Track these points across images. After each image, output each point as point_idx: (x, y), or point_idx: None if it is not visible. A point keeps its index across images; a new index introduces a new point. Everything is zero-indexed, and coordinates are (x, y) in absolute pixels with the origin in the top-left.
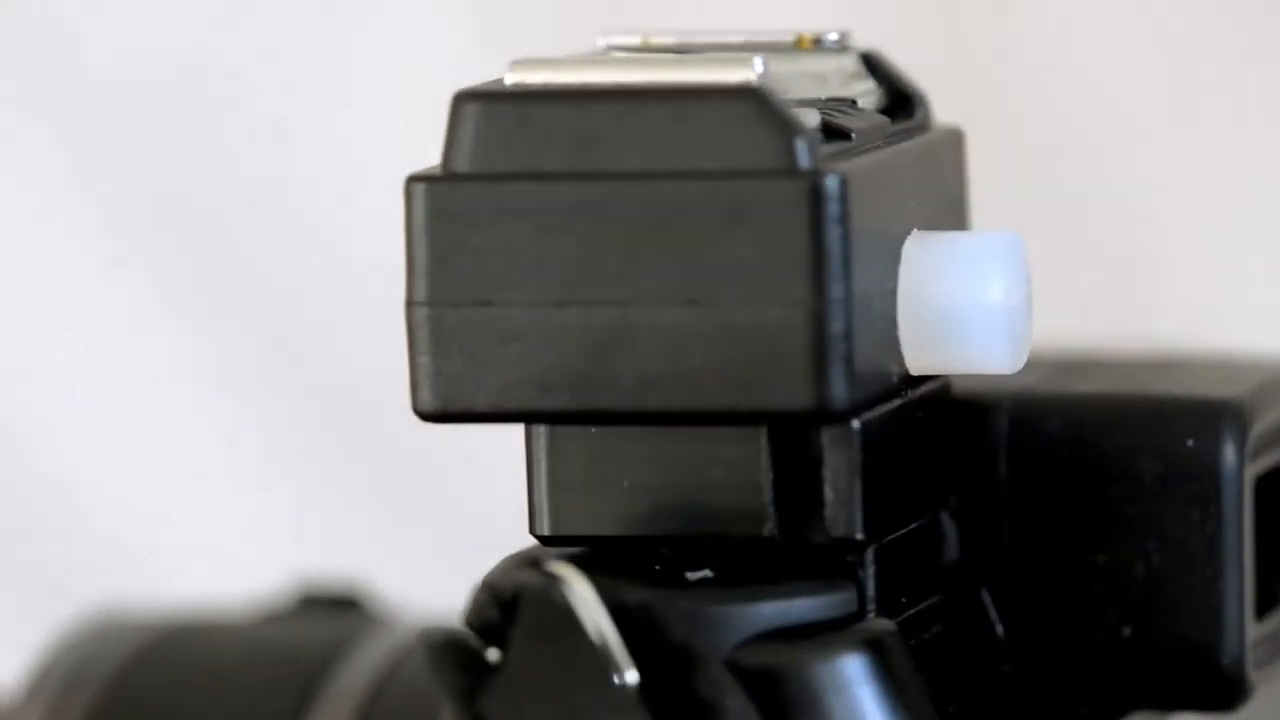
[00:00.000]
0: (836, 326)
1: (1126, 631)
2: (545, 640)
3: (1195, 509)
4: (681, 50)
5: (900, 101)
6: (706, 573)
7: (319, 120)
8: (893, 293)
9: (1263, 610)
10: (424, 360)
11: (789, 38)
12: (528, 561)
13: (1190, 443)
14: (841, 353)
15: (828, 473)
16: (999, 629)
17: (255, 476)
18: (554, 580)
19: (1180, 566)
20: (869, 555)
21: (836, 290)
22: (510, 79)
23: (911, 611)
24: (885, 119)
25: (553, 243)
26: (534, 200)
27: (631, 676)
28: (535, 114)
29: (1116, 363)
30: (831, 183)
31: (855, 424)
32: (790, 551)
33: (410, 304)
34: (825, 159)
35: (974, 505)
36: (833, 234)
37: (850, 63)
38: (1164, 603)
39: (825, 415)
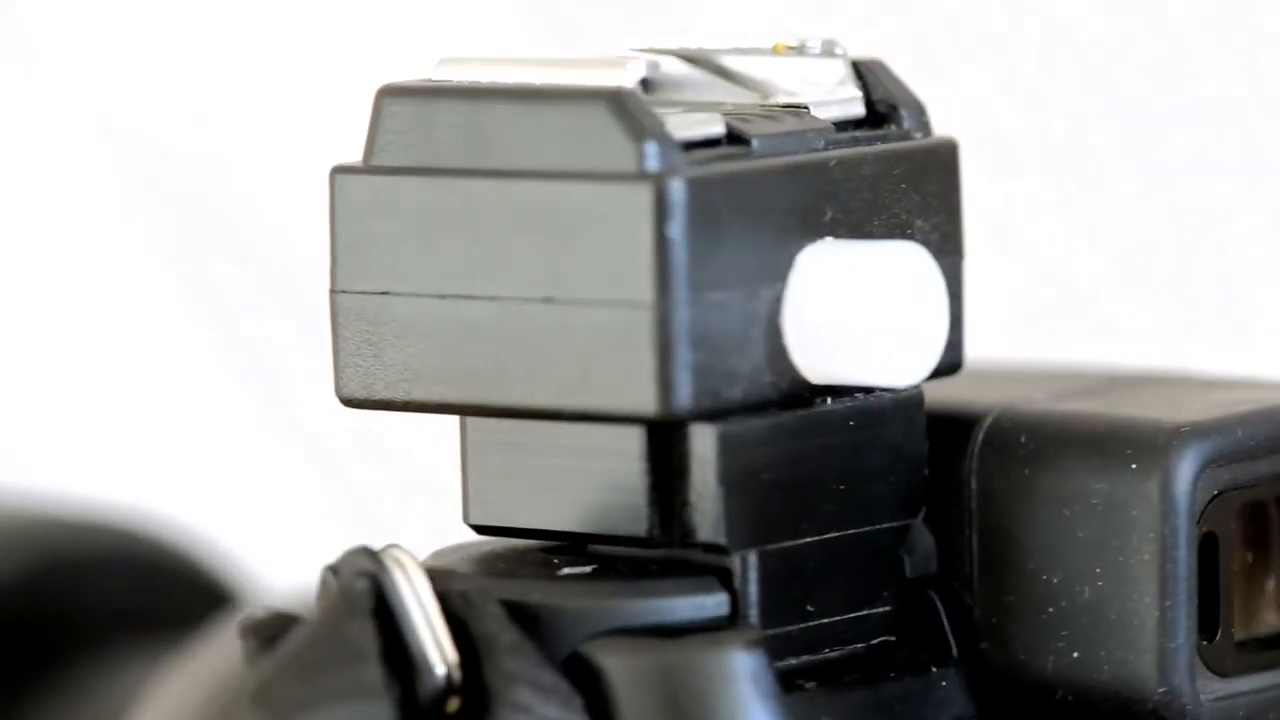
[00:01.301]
0: (680, 330)
1: (1075, 655)
2: (329, 621)
3: (1136, 534)
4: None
5: (885, 110)
6: (584, 569)
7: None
8: (779, 299)
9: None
10: (338, 348)
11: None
12: (368, 550)
13: (1134, 465)
14: (685, 356)
15: (693, 476)
16: (953, 647)
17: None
18: (381, 566)
19: (1123, 591)
20: (750, 560)
21: (680, 294)
22: (433, 75)
23: (833, 620)
24: (827, 125)
25: (438, 237)
26: (424, 195)
27: (439, 666)
28: (429, 111)
29: (1109, 381)
30: (677, 187)
31: (717, 428)
32: (672, 553)
33: (330, 291)
34: (689, 164)
35: (946, 519)
36: (677, 238)
37: (837, 69)
38: (1107, 628)
39: (668, 418)
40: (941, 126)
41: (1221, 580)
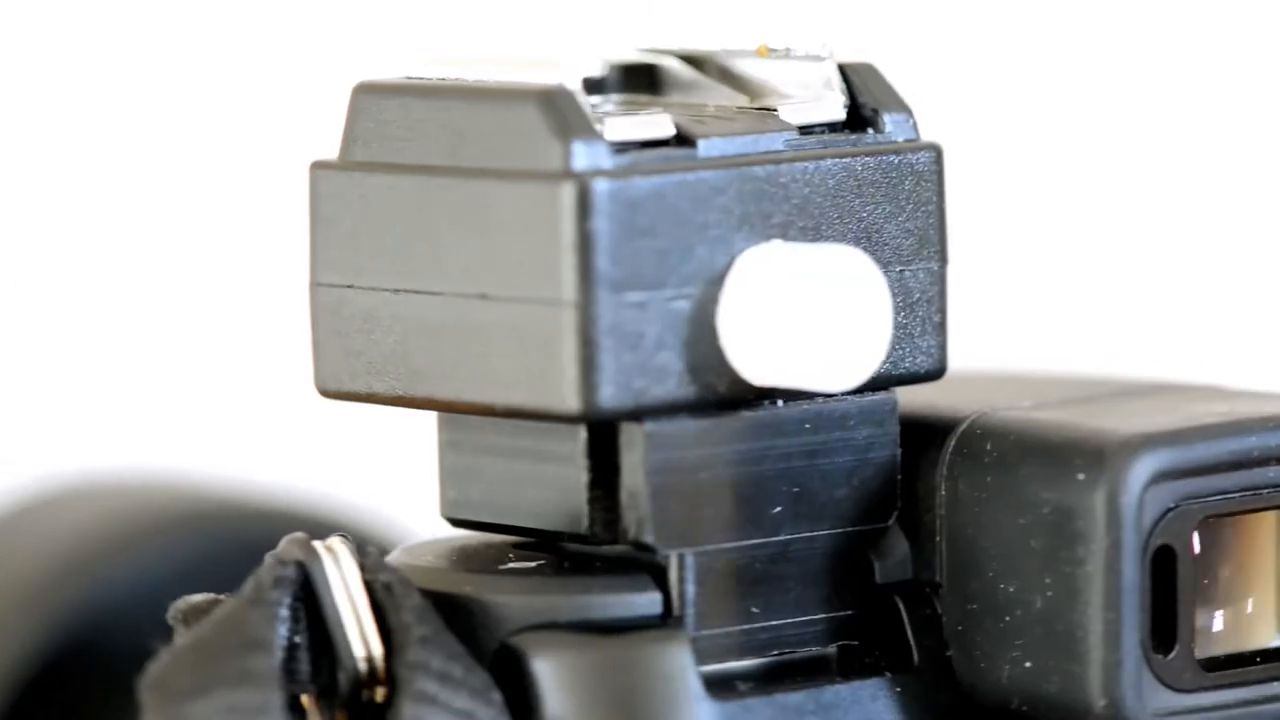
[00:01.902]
0: (602, 329)
1: (1028, 665)
2: (232, 609)
3: (1082, 545)
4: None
5: (867, 115)
6: (529, 564)
7: None
8: (715, 301)
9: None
10: (315, 339)
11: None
12: (304, 538)
13: (1081, 476)
14: (608, 355)
15: (624, 475)
16: (914, 654)
17: None
18: (312, 555)
19: (1070, 603)
20: (685, 560)
21: (602, 293)
22: (408, 72)
23: (783, 622)
24: (791, 128)
25: (392, 231)
26: (381, 189)
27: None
28: (389, 107)
29: (1107, 390)
30: (601, 186)
31: (645, 427)
32: (625, 551)
33: (309, 284)
34: (621, 164)
35: (919, 526)
36: (599, 237)
37: (821, 72)
38: (1056, 639)
39: (591, 417)
40: (951, 131)
41: (1180, 595)
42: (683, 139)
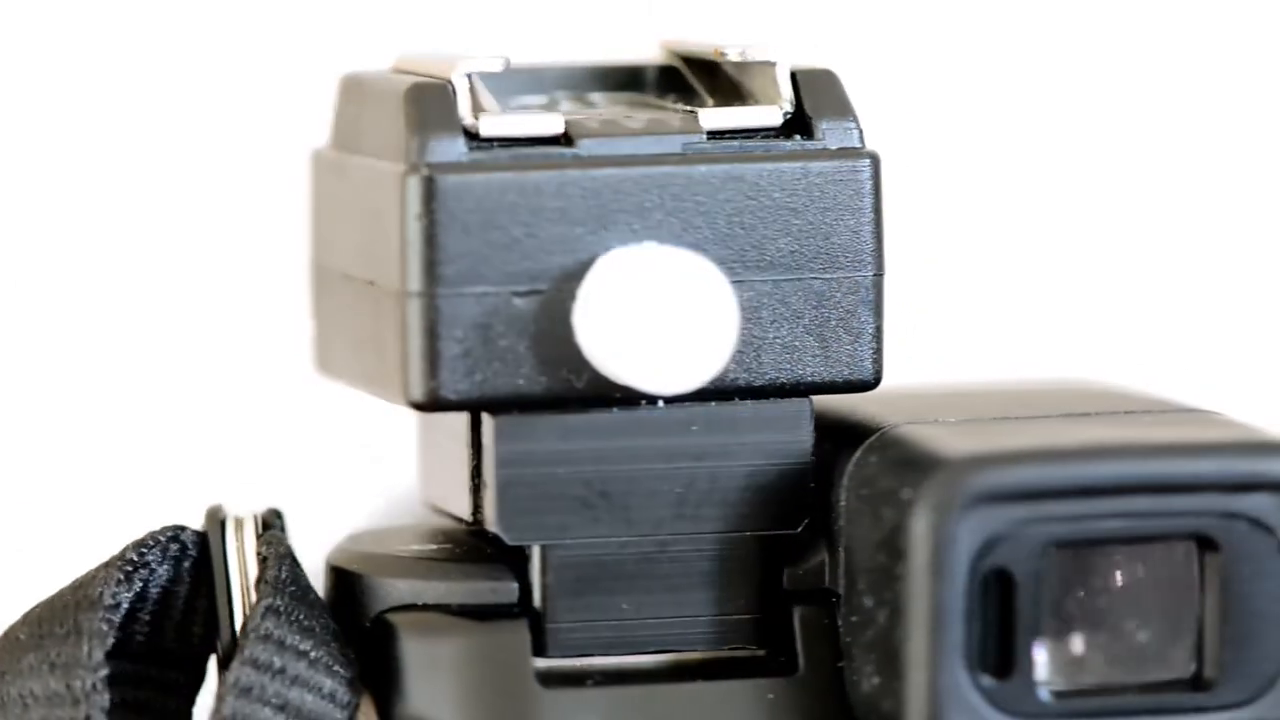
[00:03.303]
0: (445, 321)
1: (876, 681)
2: (95, 570)
3: (913, 563)
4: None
5: (805, 122)
6: (432, 547)
7: None
8: (572, 299)
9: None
10: (311, 320)
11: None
12: (216, 510)
13: (906, 495)
14: (449, 347)
15: (484, 467)
16: (800, 662)
17: None
18: (216, 526)
19: (904, 621)
20: (543, 553)
21: (445, 285)
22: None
23: (657, 620)
24: (699, 132)
25: (341, 214)
26: (336, 173)
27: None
28: (350, 96)
29: (1018, 407)
30: (447, 181)
31: (496, 420)
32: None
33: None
34: (480, 160)
35: (830, 535)
36: (443, 230)
37: (773, 77)
38: (894, 657)
39: (431, 407)
40: (949, 131)
41: (1018, 622)
42: (566, 138)
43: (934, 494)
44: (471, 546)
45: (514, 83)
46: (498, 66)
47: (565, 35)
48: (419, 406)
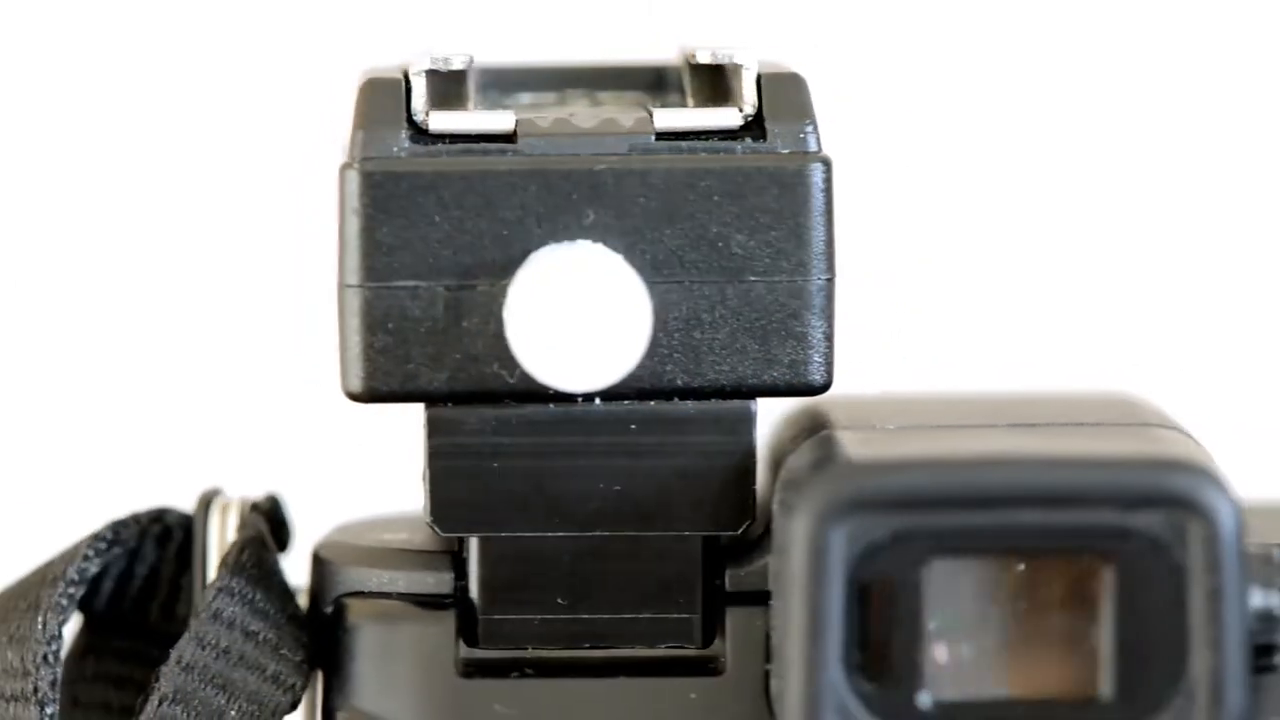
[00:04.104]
0: (376, 313)
1: (777, 682)
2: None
3: (787, 569)
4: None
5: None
6: (402, 537)
7: None
8: (503, 295)
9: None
10: None
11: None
12: (209, 493)
13: (790, 502)
14: (379, 339)
15: (426, 459)
16: (727, 663)
17: None
18: (203, 508)
19: (786, 629)
20: (477, 545)
21: (377, 279)
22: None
23: (596, 617)
24: (646, 133)
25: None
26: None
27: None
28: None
29: (962, 415)
30: (375, 176)
31: (427, 412)
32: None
33: None
34: (417, 156)
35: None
36: (376, 223)
37: (738, 80)
38: (781, 664)
39: (362, 399)
40: (950, 132)
41: (899, 631)
42: (509, 136)
43: (814, 499)
44: (433, 537)
45: (518, 80)
46: (460, 64)
47: (565, 36)
48: (355, 398)
